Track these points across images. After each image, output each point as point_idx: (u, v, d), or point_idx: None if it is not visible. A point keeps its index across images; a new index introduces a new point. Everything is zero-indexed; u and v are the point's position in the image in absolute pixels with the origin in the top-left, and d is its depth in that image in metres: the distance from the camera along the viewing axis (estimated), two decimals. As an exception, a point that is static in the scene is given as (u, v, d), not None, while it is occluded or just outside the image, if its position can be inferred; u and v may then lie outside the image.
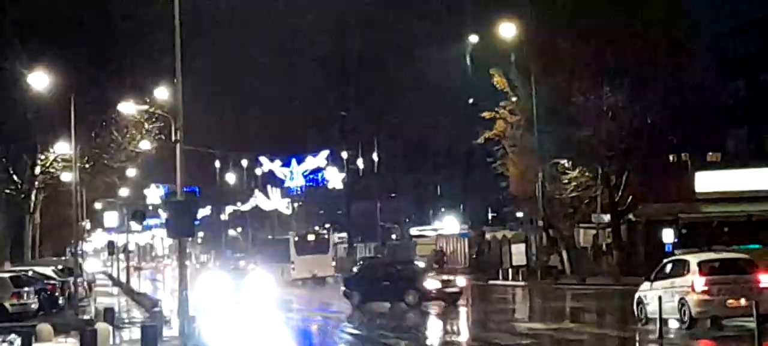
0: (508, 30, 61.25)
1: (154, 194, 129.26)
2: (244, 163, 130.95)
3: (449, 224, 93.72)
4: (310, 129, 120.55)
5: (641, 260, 61.01)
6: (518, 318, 40.92)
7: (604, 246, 62.93)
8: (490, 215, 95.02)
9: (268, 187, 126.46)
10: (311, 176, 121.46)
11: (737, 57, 74.79)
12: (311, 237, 76.88)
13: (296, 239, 75.91)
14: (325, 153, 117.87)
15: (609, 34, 57.32)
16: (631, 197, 60.90)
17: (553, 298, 49.94)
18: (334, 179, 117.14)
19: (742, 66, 74.02)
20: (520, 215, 77.06)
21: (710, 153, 69.76)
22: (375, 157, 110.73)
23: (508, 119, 65.92)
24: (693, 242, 58.19)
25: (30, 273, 46.11)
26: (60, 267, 54.41)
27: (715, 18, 72.77)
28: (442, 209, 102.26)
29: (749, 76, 74.62)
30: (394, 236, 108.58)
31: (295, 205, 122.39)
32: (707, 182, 60.54)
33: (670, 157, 65.01)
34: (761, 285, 28.05)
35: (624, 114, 58.93)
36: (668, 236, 57.39)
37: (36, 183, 63.05)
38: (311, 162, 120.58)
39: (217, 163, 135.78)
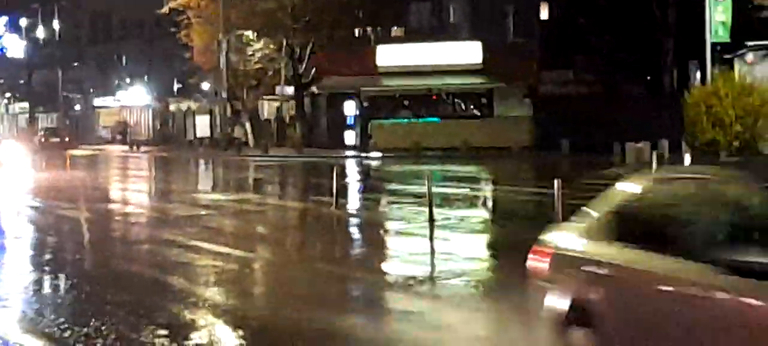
0: None
1: None
2: None
3: (135, 94, 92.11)
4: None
5: (323, 132, 61.84)
6: (202, 189, 40.59)
7: (287, 118, 63.24)
8: (176, 87, 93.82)
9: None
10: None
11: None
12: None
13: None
14: (2, 20, 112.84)
15: None
16: (314, 70, 61.25)
17: (235, 169, 49.95)
18: (14, 46, 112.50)
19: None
20: (206, 86, 76.45)
21: (395, 28, 70.77)
22: (56, 25, 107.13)
23: (193, -12, 64.97)
24: (374, 115, 59.58)
25: None
26: None
27: None
28: (128, 80, 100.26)
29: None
30: (77, 107, 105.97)
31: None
32: (389, 55, 61.33)
33: (355, 31, 65.58)
34: None
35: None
36: (350, 108, 58.08)
37: None
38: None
39: None
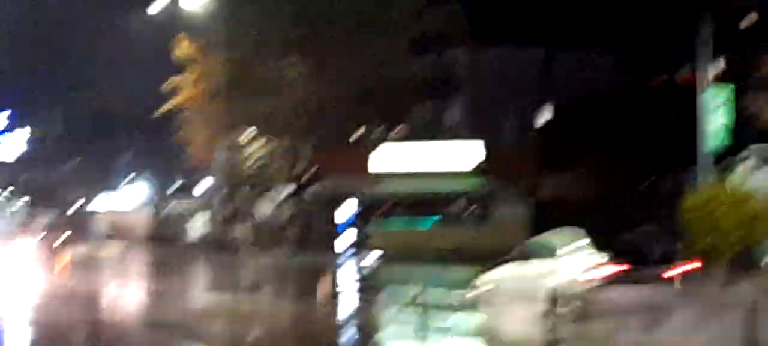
0: (194, -2, 60.58)
1: None
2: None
3: (134, 192, 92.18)
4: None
5: (321, 234, 61.59)
6: (198, 289, 40.45)
7: (285, 219, 63.04)
8: (175, 185, 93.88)
9: None
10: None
11: (424, 35, 75.99)
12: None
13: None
14: (3, 115, 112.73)
15: (295, 6, 57.37)
16: (312, 171, 61.16)
17: (232, 269, 49.68)
18: (15, 143, 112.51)
19: (429, 44, 75.27)
20: (207, 185, 76.43)
21: (398, 128, 70.94)
22: (56, 122, 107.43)
23: (193, 89, 64.96)
24: (372, 217, 59.33)
25: None
26: None
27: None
28: (128, 177, 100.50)
29: (436, 54, 75.98)
30: (77, 204, 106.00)
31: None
32: (389, 156, 61.30)
33: (355, 132, 65.67)
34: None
35: (308, 87, 59.03)
36: (348, 209, 57.94)
37: None
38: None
39: None
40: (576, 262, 23.41)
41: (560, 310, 22.53)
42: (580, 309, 20.93)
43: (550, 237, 25.44)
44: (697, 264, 22.60)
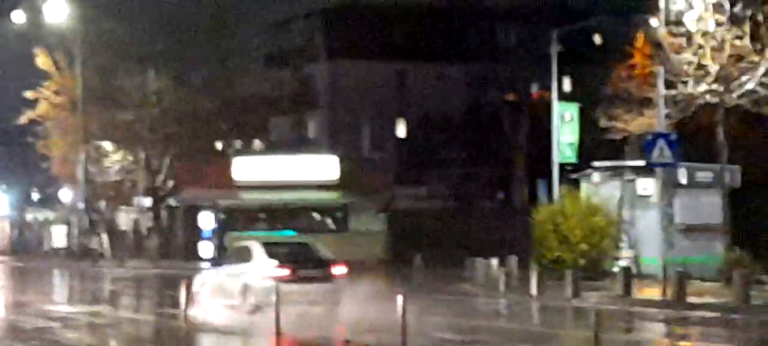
0: (56, 10, 60.59)
1: None
2: None
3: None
4: None
5: (181, 244, 62.05)
6: (55, 300, 40.58)
7: (144, 229, 63.41)
8: (35, 196, 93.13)
9: None
10: None
11: (282, 51, 76.94)
12: None
13: None
14: None
15: (155, 20, 57.97)
16: (172, 182, 61.67)
17: (91, 280, 49.95)
18: None
19: (287, 59, 76.16)
20: (65, 196, 76.18)
21: (257, 141, 71.52)
22: None
23: (53, 100, 65.06)
24: (231, 227, 59.95)
25: None
26: None
27: (264, 11, 74.63)
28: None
29: (293, 69, 76.90)
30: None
31: None
32: (247, 168, 61.74)
33: (214, 144, 66.20)
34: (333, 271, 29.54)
35: (168, 99, 59.62)
36: (207, 220, 58.58)
37: None
38: None
39: None
40: (263, 264, 28.84)
41: (249, 302, 28.32)
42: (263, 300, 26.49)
43: (246, 243, 30.01)
44: (344, 269, 29.57)
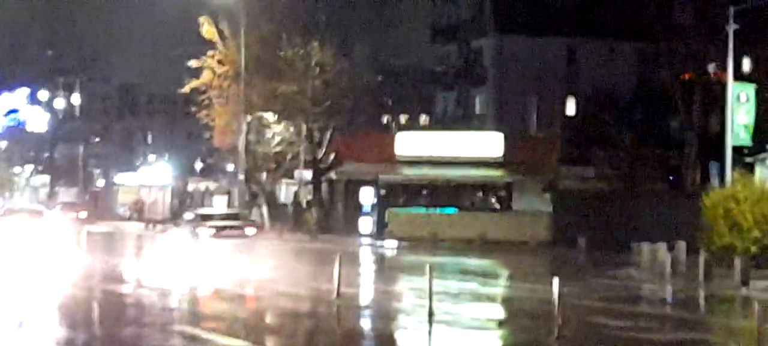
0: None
1: None
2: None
3: (155, 172, 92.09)
4: (11, 66, 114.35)
5: (340, 219, 61.30)
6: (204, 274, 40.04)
7: (304, 202, 62.76)
8: (198, 166, 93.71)
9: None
10: (11, 116, 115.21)
11: (449, 24, 75.74)
12: None
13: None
14: (23, 91, 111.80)
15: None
16: (333, 155, 60.93)
17: (248, 252, 49.35)
18: (37, 119, 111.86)
19: (454, 33, 74.93)
20: (226, 167, 76.24)
21: (424, 116, 70.56)
22: (76, 99, 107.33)
23: (216, 69, 64.71)
24: (392, 203, 58.99)
25: None
26: None
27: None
28: (149, 157, 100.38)
29: (460, 43, 75.63)
30: (98, 182, 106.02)
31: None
32: (409, 143, 60.74)
33: (377, 118, 65.38)
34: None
35: (331, 70, 58.83)
36: (367, 195, 57.63)
37: None
38: (7, 99, 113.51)
39: None
40: None
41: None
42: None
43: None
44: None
